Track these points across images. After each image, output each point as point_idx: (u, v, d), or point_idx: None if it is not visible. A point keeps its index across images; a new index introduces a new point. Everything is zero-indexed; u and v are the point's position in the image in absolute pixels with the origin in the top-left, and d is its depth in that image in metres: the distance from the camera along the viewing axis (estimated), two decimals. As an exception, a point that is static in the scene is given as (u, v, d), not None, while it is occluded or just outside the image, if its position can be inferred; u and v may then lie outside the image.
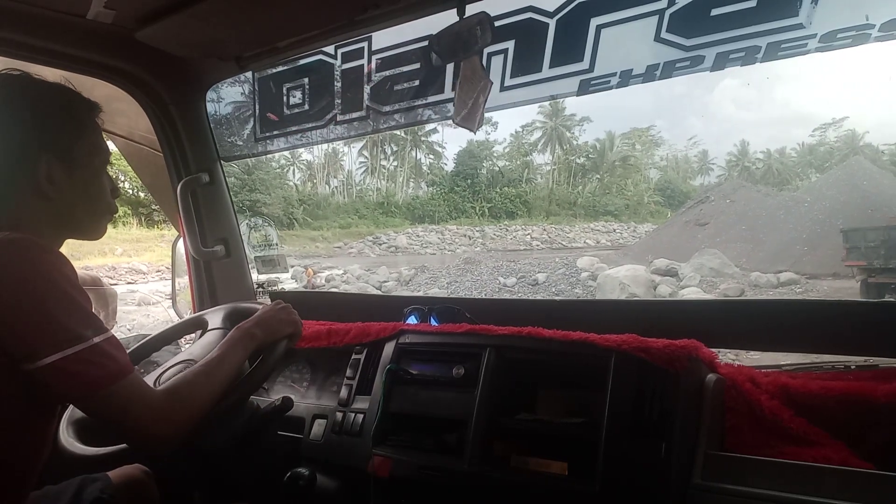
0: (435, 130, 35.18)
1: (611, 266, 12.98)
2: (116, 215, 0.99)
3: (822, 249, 13.20)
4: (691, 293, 10.87)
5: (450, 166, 35.30)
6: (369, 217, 28.90)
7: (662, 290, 11.23)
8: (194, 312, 1.59)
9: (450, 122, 1.32)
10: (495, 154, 36.35)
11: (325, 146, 33.32)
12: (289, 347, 1.08)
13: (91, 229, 0.95)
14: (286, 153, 32.15)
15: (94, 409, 0.78)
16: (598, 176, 35.78)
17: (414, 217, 29.53)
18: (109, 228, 0.99)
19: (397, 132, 33.81)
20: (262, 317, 1.06)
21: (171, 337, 1.35)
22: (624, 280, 11.20)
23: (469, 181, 33.01)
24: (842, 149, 28.93)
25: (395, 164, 35.23)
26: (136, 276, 13.73)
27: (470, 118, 1.29)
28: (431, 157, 35.90)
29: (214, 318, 1.30)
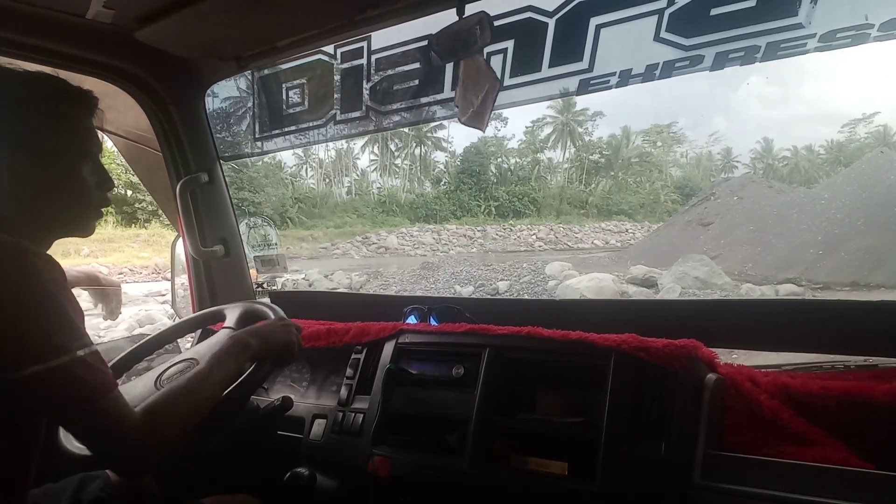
0: (441, 126, 33.63)
1: (582, 273, 11.46)
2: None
3: (838, 254, 11.73)
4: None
5: (457, 164, 33.89)
6: (368, 216, 27.44)
7: (635, 304, 9.91)
8: (194, 312, 1.59)
9: (455, 118, 1.32)
10: (504, 151, 34.86)
11: (327, 145, 32.84)
12: (275, 366, 1.07)
13: (76, 225, 0.90)
14: (297, 150, 31.32)
15: (72, 425, 0.76)
16: (613, 173, 34.30)
17: (416, 216, 28.12)
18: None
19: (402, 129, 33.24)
20: (262, 329, 1.06)
21: (192, 325, 1.39)
22: (585, 292, 9.66)
23: (475, 179, 31.65)
24: (872, 145, 27.61)
25: (399, 161, 34.15)
26: (94, 280, 13.03)
27: (478, 117, 1.28)
28: (440, 153, 34.61)
29: (232, 314, 1.27)
